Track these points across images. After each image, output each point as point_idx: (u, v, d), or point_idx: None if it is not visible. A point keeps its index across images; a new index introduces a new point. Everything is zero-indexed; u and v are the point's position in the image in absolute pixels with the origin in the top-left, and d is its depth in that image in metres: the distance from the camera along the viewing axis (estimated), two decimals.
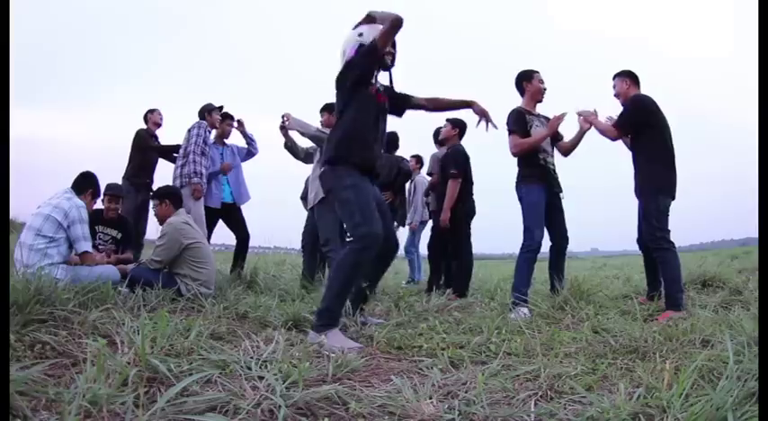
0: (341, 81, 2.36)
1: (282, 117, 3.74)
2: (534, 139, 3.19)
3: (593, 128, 3.28)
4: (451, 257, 4.24)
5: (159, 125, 4.76)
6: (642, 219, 2.99)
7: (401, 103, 2.59)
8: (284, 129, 3.80)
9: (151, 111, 4.75)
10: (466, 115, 3.82)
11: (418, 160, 5.65)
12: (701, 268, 4.33)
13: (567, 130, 3.43)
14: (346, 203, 2.24)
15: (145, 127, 4.70)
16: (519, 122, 3.21)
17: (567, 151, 3.42)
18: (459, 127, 4.13)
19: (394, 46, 2.43)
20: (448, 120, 4.20)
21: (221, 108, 4.22)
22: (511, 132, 3.20)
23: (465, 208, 4.01)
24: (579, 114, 3.30)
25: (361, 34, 2.39)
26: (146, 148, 4.57)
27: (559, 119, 3.23)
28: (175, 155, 4.17)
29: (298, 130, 3.76)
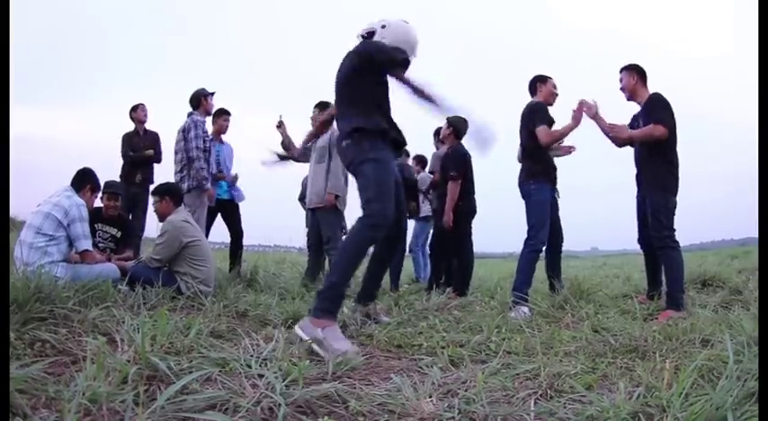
0: (369, 60, 2.27)
1: (279, 119, 3.76)
2: (565, 130, 3.17)
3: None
4: (452, 256, 4.26)
5: (143, 122, 4.71)
6: (650, 217, 2.97)
7: None
8: (280, 127, 3.81)
9: (134, 110, 4.68)
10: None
11: (420, 161, 5.65)
12: (701, 268, 4.34)
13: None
14: (364, 177, 2.17)
15: (132, 126, 4.69)
16: (546, 113, 3.20)
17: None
18: (453, 126, 4.12)
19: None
20: (447, 118, 4.20)
21: (213, 94, 4.18)
22: (540, 123, 3.15)
23: (465, 207, 4.02)
24: (611, 129, 3.15)
25: (384, 26, 2.34)
26: (123, 156, 4.57)
27: (581, 108, 3.15)
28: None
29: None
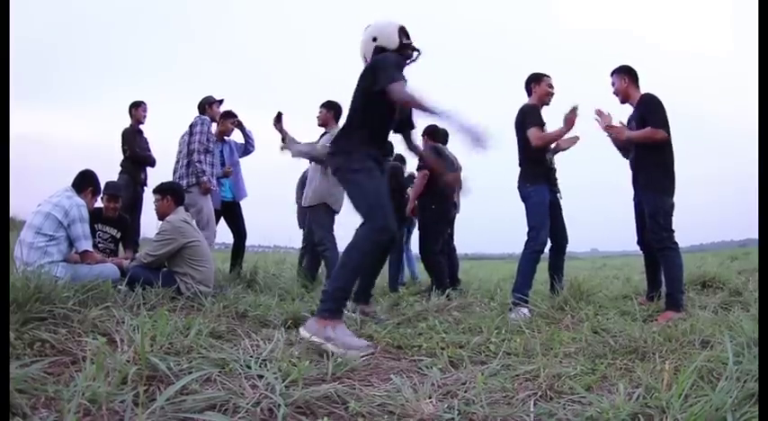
0: (369, 84, 2.22)
1: (278, 114, 3.70)
2: (556, 133, 3.17)
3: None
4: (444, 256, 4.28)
5: (141, 122, 4.61)
6: (647, 219, 2.97)
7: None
8: (279, 124, 3.76)
9: (135, 106, 4.60)
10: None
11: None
12: (700, 269, 4.33)
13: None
14: (358, 186, 2.16)
15: (130, 123, 4.60)
16: (537, 116, 3.20)
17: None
18: (426, 134, 4.25)
19: (408, 36, 2.35)
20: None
21: (221, 101, 4.17)
22: (531, 125, 3.15)
23: (437, 210, 4.09)
24: (608, 129, 3.17)
25: (375, 38, 2.32)
26: (132, 152, 4.52)
27: (574, 113, 3.15)
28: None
29: (305, 157, 3.72)
